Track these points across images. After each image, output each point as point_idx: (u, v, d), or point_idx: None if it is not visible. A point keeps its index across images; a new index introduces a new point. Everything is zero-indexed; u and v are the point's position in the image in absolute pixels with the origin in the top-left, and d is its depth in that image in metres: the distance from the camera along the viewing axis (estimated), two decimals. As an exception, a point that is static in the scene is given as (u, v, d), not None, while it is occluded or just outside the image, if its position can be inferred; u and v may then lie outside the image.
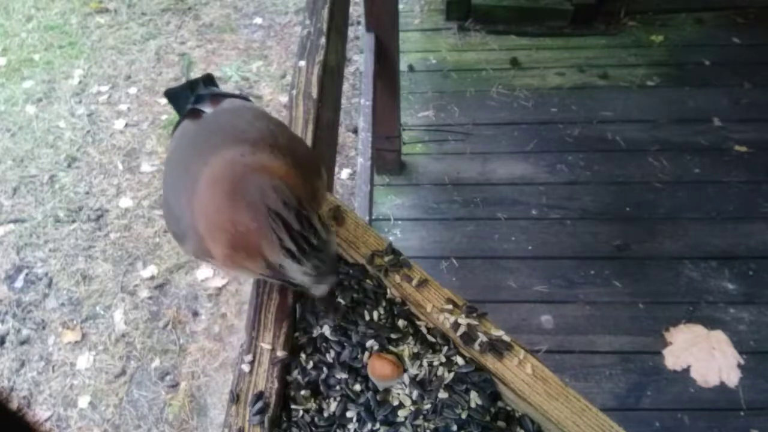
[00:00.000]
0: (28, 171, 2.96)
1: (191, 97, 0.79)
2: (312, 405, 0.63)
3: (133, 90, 3.31)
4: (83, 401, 2.19)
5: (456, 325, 0.65)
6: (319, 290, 0.59)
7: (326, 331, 0.67)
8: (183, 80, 3.30)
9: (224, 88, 3.25)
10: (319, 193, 0.65)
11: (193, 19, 3.74)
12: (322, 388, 0.64)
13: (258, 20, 3.70)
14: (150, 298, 2.44)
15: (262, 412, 0.62)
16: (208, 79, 0.85)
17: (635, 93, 2.71)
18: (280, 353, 0.66)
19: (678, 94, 2.67)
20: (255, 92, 3.25)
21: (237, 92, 0.80)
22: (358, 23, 3.27)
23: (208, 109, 0.73)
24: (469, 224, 2.32)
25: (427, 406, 0.61)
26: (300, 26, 1.13)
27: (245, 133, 0.60)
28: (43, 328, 2.39)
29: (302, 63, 0.99)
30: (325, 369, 0.65)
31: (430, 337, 0.66)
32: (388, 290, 0.69)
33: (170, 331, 2.34)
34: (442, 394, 0.61)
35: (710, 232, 2.20)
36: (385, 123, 2.25)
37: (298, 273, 0.55)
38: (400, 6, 2.30)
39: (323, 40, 1.04)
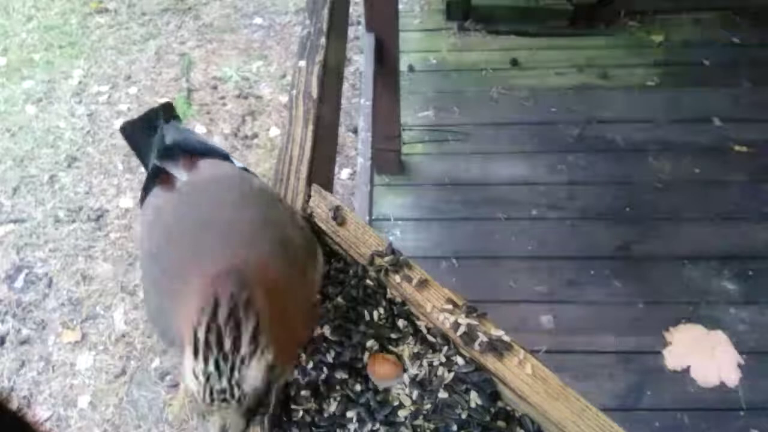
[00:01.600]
0: (28, 171, 2.96)
1: (154, 138, 0.70)
2: (312, 405, 0.63)
3: (133, 90, 3.31)
4: (83, 401, 2.18)
5: (456, 325, 0.65)
6: (210, 426, 0.46)
7: (326, 331, 0.67)
8: (182, 81, 3.31)
9: (224, 88, 3.26)
10: (308, 280, 0.59)
11: (193, 19, 3.74)
12: (322, 388, 0.64)
13: (258, 20, 3.70)
14: (150, 298, 2.44)
15: (262, 412, 0.62)
16: (168, 110, 0.76)
17: (635, 93, 2.71)
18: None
19: (678, 94, 2.67)
20: (255, 92, 3.25)
21: (209, 144, 0.70)
22: (358, 23, 3.27)
23: (180, 173, 0.63)
24: (469, 224, 2.31)
25: (427, 406, 0.61)
26: (300, 26, 1.12)
27: (231, 238, 0.53)
28: (43, 328, 2.39)
29: (302, 63, 0.99)
30: (325, 369, 0.65)
31: (430, 337, 0.66)
32: (388, 290, 0.69)
33: (170, 331, 2.34)
34: (442, 394, 0.61)
35: (710, 232, 2.20)
36: (385, 123, 2.25)
37: (188, 372, 0.44)
38: (400, 6, 2.30)
39: (323, 40, 1.04)
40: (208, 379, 0.44)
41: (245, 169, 0.69)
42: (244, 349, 0.44)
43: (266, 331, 0.45)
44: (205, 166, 0.64)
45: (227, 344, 0.44)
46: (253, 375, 0.44)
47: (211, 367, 0.44)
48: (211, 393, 0.44)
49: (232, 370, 0.44)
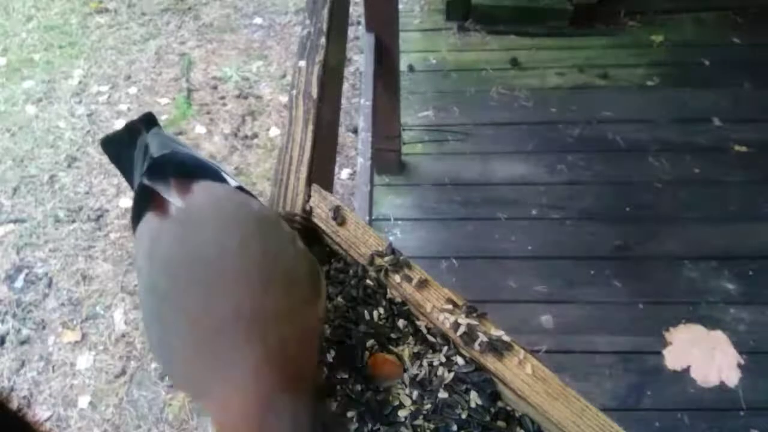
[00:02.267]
0: (28, 171, 2.96)
1: (136, 151, 0.67)
2: (312, 405, 0.63)
3: (133, 90, 3.31)
4: (83, 401, 2.19)
5: (456, 325, 0.65)
6: None
7: (326, 331, 0.67)
8: (182, 81, 3.31)
9: (224, 88, 3.26)
10: (310, 324, 0.57)
11: (193, 19, 3.74)
12: (322, 388, 0.64)
13: (258, 20, 3.70)
14: (150, 298, 2.44)
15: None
16: (150, 121, 0.72)
17: (635, 93, 2.71)
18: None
19: (678, 94, 2.67)
20: (255, 92, 3.25)
21: (199, 158, 0.69)
22: (358, 23, 3.27)
23: (173, 196, 0.59)
24: (469, 224, 2.31)
25: (427, 406, 0.61)
26: (300, 26, 1.12)
27: (237, 293, 0.52)
28: (43, 328, 2.39)
29: (302, 63, 0.99)
30: (325, 369, 0.65)
31: (430, 337, 0.66)
32: (388, 290, 0.69)
33: (170, 331, 2.34)
34: (442, 394, 0.61)
35: (710, 232, 2.20)
36: (385, 123, 2.25)
37: None
38: (400, 6, 2.30)
39: (323, 40, 1.04)
40: None
41: (240, 188, 0.66)
42: None
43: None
44: (200, 190, 0.61)
45: None
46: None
47: None
48: None
49: None
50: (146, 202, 0.61)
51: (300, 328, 0.54)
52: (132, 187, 0.68)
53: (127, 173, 0.70)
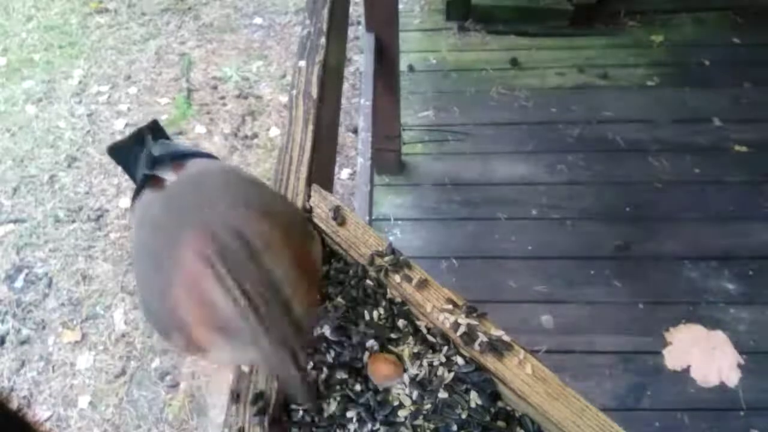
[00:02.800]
0: (28, 171, 2.96)
1: (142, 155, 0.69)
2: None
3: (133, 90, 3.31)
4: (83, 401, 2.19)
5: (456, 325, 0.65)
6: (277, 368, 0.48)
7: (326, 331, 0.67)
8: (182, 81, 3.31)
9: (224, 88, 3.26)
10: (311, 256, 0.58)
11: (193, 19, 3.74)
12: (322, 388, 0.64)
13: (258, 20, 3.70)
14: (150, 298, 2.44)
15: (262, 412, 0.62)
16: (155, 128, 0.75)
17: (635, 93, 2.71)
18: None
19: (678, 94, 2.67)
20: (255, 92, 3.25)
21: (198, 150, 0.76)
22: (358, 23, 3.27)
23: (169, 175, 0.63)
24: (469, 224, 2.31)
25: (427, 406, 0.61)
26: (300, 26, 1.12)
27: (215, 206, 0.51)
28: (43, 328, 2.39)
29: (302, 63, 0.99)
30: (325, 369, 0.65)
31: (430, 337, 0.66)
32: (388, 290, 0.69)
33: (170, 331, 2.34)
34: (442, 394, 0.61)
35: (710, 232, 2.20)
36: (385, 123, 2.25)
37: (247, 337, 0.45)
38: (400, 6, 2.30)
39: (323, 40, 1.04)
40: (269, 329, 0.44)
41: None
42: (285, 291, 0.45)
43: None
44: (193, 163, 0.65)
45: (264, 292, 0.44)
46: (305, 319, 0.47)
47: (272, 323, 0.44)
48: (282, 344, 0.45)
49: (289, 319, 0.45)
50: (145, 184, 0.64)
51: (295, 250, 0.51)
52: (136, 184, 0.70)
53: (134, 175, 0.72)
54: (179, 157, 0.67)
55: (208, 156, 0.71)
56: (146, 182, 0.64)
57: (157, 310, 0.55)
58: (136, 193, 0.66)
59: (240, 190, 0.56)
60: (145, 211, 0.61)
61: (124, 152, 0.74)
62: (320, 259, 0.62)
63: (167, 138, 0.76)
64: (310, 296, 0.50)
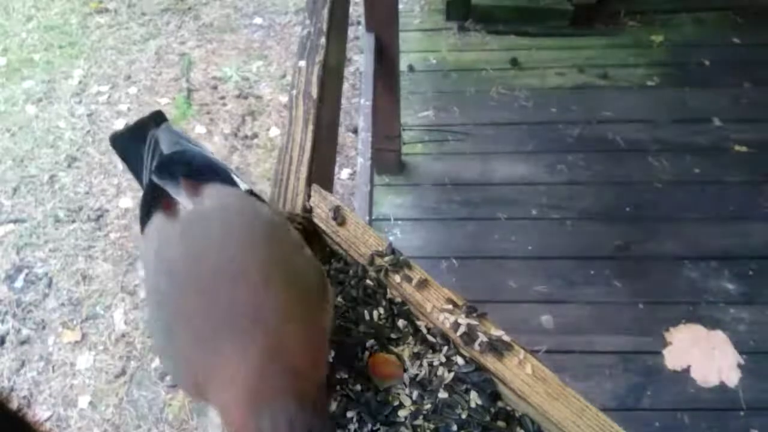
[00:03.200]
0: (28, 171, 2.96)
1: (145, 147, 0.66)
2: (312, 405, 0.63)
3: (133, 90, 3.31)
4: (83, 401, 2.19)
5: (456, 325, 0.65)
6: None
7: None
8: (182, 81, 3.31)
9: (224, 88, 3.26)
10: (326, 318, 0.58)
11: (193, 19, 3.74)
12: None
13: (258, 20, 3.70)
14: (150, 298, 2.44)
15: (262, 412, 0.62)
16: (159, 119, 0.72)
17: (635, 93, 2.71)
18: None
19: (678, 94, 2.67)
20: (255, 92, 3.25)
21: (208, 157, 0.68)
22: (358, 23, 3.27)
23: (182, 196, 0.60)
24: (469, 224, 2.31)
25: (427, 406, 0.61)
26: (300, 26, 1.12)
27: (240, 293, 0.51)
28: (43, 328, 2.39)
29: (302, 63, 0.99)
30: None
31: (430, 337, 0.66)
32: (388, 290, 0.69)
33: (170, 331, 2.34)
34: (442, 394, 0.61)
35: (710, 232, 2.20)
36: (385, 123, 2.25)
37: None
38: (400, 6, 2.30)
39: (323, 40, 1.04)
40: None
41: (251, 192, 0.66)
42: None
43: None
44: (209, 193, 0.60)
45: None
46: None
47: None
48: None
49: None
50: (155, 201, 0.61)
51: (305, 328, 0.52)
52: (140, 184, 0.68)
53: (135, 169, 0.69)
54: (190, 168, 0.63)
55: (222, 172, 0.66)
56: (156, 198, 0.61)
57: (172, 367, 0.57)
58: (146, 205, 0.63)
59: (272, 253, 0.56)
60: (161, 246, 0.58)
61: (126, 142, 0.72)
62: (330, 322, 0.61)
63: (171, 128, 0.72)
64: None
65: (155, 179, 0.62)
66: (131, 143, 0.70)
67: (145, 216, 0.62)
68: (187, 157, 0.66)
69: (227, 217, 0.58)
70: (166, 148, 0.67)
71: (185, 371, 0.55)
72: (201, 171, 0.64)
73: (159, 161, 0.65)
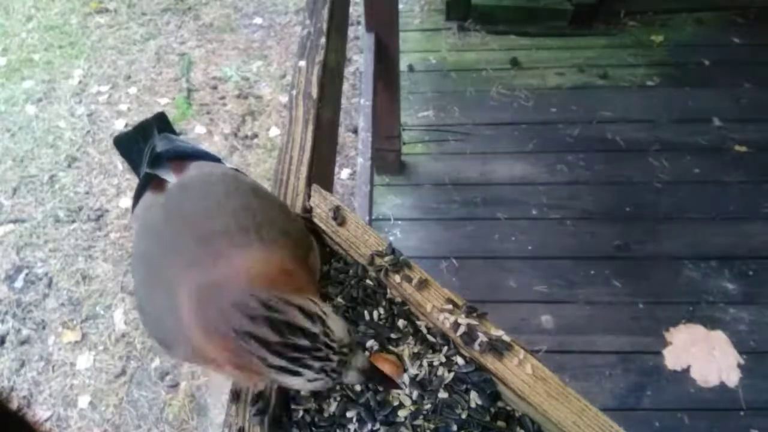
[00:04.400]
0: (28, 171, 2.96)
1: (146, 149, 0.70)
2: (312, 405, 0.63)
3: (133, 90, 3.31)
4: (83, 401, 2.18)
5: (456, 325, 0.65)
6: (350, 378, 0.50)
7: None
8: (182, 81, 3.31)
9: (224, 88, 3.26)
10: (310, 266, 0.58)
11: (193, 19, 3.74)
12: (322, 388, 0.64)
13: (258, 20, 3.70)
14: (150, 298, 2.44)
15: (262, 412, 0.62)
16: (161, 121, 0.76)
17: (635, 93, 2.71)
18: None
19: (678, 94, 2.67)
20: (255, 92, 3.25)
21: (201, 149, 0.74)
22: (358, 23, 3.27)
23: (170, 176, 0.64)
24: (469, 224, 2.31)
25: (427, 406, 0.61)
26: (300, 26, 1.12)
27: (214, 225, 0.53)
28: (43, 328, 2.39)
29: (302, 63, 0.99)
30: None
31: (430, 337, 0.66)
32: (388, 290, 0.69)
33: (170, 331, 2.34)
34: (442, 394, 0.61)
35: (710, 232, 2.20)
36: (385, 123, 2.25)
37: (304, 384, 0.48)
38: (400, 6, 2.30)
39: (323, 40, 1.04)
40: (325, 368, 0.47)
41: (237, 170, 0.68)
42: (315, 328, 0.46)
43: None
44: (194, 166, 0.65)
45: (305, 342, 0.46)
46: (339, 324, 0.48)
47: (319, 361, 0.46)
48: (338, 370, 0.47)
49: (329, 344, 0.46)
50: (147, 185, 0.65)
51: (293, 241, 0.54)
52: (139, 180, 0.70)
53: (137, 168, 0.72)
54: (181, 157, 0.67)
55: (211, 157, 0.71)
56: (148, 181, 0.65)
57: (159, 320, 0.56)
58: (138, 192, 0.66)
59: (242, 201, 0.57)
60: (146, 217, 0.62)
61: (129, 144, 0.74)
62: (318, 269, 0.63)
63: (173, 132, 0.76)
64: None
65: (148, 170, 0.66)
66: (134, 144, 0.73)
67: (136, 201, 0.66)
68: (179, 149, 0.69)
69: (208, 182, 0.61)
70: (161, 147, 0.70)
71: (151, 306, 0.57)
72: (189, 154, 0.68)
73: (152, 156, 0.68)
